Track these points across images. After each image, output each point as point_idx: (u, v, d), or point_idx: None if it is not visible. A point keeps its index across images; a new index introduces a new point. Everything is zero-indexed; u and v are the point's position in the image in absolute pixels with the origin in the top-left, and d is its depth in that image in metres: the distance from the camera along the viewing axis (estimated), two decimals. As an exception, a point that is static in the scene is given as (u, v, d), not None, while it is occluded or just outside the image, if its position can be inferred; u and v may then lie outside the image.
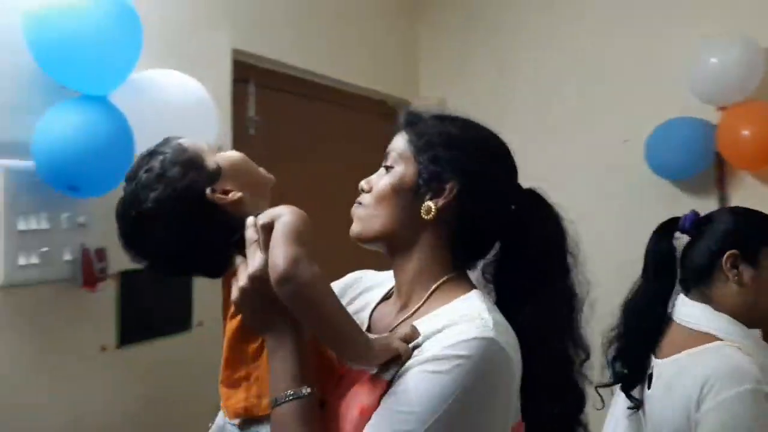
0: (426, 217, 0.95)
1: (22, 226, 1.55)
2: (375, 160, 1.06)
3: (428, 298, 0.95)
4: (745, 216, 1.45)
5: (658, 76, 2.57)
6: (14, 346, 1.56)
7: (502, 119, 3.21)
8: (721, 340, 1.32)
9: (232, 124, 2.15)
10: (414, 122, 1.03)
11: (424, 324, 0.89)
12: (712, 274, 1.39)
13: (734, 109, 2.31)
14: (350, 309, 1.00)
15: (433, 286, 0.96)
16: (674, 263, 1.46)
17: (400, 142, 1.01)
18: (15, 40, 1.48)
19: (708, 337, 1.34)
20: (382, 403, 0.83)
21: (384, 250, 1.01)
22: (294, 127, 2.51)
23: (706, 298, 1.40)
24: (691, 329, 1.37)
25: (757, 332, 1.37)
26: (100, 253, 1.68)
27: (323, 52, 2.58)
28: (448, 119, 1.03)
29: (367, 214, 0.99)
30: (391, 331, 0.94)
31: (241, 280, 0.87)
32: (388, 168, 1.00)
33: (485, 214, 0.97)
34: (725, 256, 1.37)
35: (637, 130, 2.49)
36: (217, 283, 1.05)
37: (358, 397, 0.87)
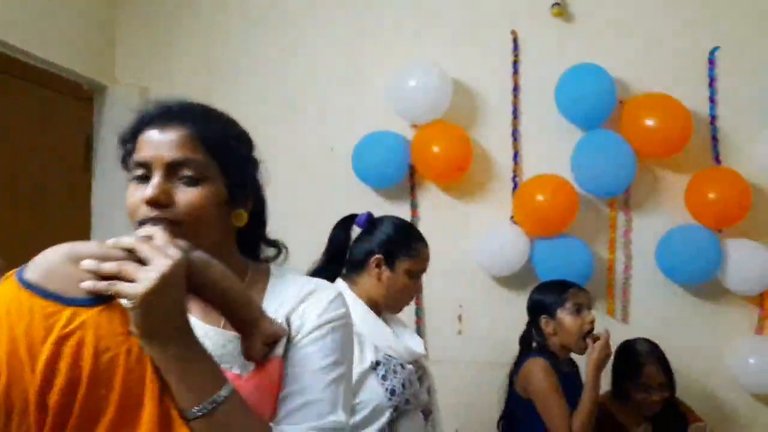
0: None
1: None
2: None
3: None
4: (400, 229, 1.82)
5: (366, 92, 2.81)
6: None
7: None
8: None
9: None
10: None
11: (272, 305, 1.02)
12: (363, 267, 1.76)
13: (426, 127, 2.67)
14: None
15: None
16: (346, 250, 1.82)
17: None
18: None
19: None
20: (294, 371, 0.96)
21: None
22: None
23: (352, 282, 1.76)
24: None
25: (363, 306, 1.72)
26: None
27: (10, 20, 2.22)
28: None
29: None
30: None
31: (150, 281, 0.78)
32: None
33: None
34: (373, 257, 1.75)
35: (346, 139, 2.69)
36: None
37: (263, 377, 0.94)
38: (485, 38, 2.79)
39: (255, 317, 0.92)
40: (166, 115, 0.97)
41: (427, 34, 2.83)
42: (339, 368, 1.00)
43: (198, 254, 0.87)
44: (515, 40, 2.76)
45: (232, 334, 0.95)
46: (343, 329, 1.02)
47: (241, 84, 2.92)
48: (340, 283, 1.76)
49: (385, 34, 2.86)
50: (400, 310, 1.85)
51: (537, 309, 2.27)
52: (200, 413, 0.81)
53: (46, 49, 2.50)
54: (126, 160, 1.00)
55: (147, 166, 0.95)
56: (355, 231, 1.85)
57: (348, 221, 1.84)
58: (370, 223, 1.82)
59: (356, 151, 2.70)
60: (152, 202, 0.92)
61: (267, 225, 1.14)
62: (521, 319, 2.39)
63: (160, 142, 0.95)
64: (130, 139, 0.99)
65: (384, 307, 1.79)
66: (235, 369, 0.94)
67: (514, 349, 2.34)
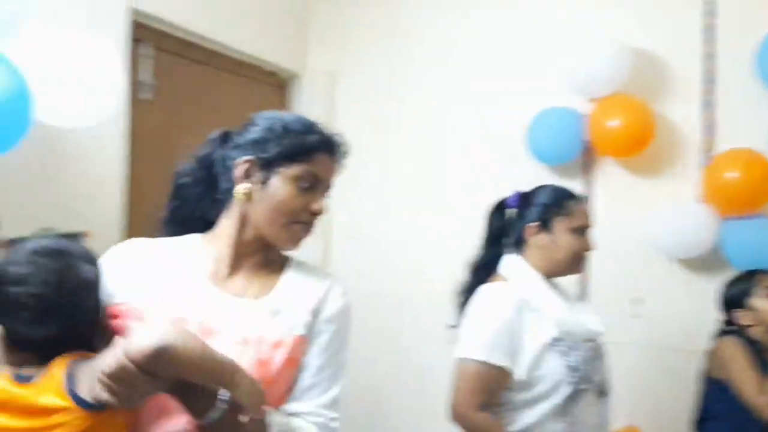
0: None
1: None
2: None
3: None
4: (548, 192, 1.80)
5: (539, 67, 2.76)
6: None
7: (392, 98, 3.30)
8: (506, 280, 1.73)
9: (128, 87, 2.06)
10: None
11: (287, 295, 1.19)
12: (524, 242, 1.77)
13: (603, 101, 2.56)
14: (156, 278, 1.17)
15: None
16: (503, 234, 1.82)
17: None
18: None
19: (498, 277, 1.76)
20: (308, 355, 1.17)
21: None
22: (189, 94, 2.43)
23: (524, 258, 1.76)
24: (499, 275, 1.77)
25: (540, 280, 1.73)
26: (-10, 219, 1.56)
27: (217, 16, 2.51)
28: None
29: None
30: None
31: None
32: None
33: None
34: (529, 227, 1.75)
35: (520, 116, 2.68)
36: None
37: (292, 351, 1.14)
38: (671, 1, 2.59)
39: (227, 381, 0.99)
40: (340, 149, 1.23)
41: (604, 2, 2.70)
42: (339, 357, 1.20)
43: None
44: (709, 2, 2.53)
45: (251, 302, 1.16)
46: (344, 324, 1.22)
47: (424, 67, 3.01)
48: (514, 258, 1.77)
49: (560, 5, 2.78)
50: (577, 270, 1.81)
51: (729, 305, 2.19)
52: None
53: (244, 40, 2.76)
54: (286, 154, 1.17)
55: (318, 182, 1.19)
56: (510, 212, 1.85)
57: (501, 206, 1.86)
58: (523, 199, 1.82)
59: (530, 128, 2.67)
60: (319, 215, 1.19)
61: None
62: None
63: (333, 170, 1.22)
64: (304, 148, 1.17)
65: (558, 272, 1.77)
66: (254, 332, 1.11)
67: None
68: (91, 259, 1.08)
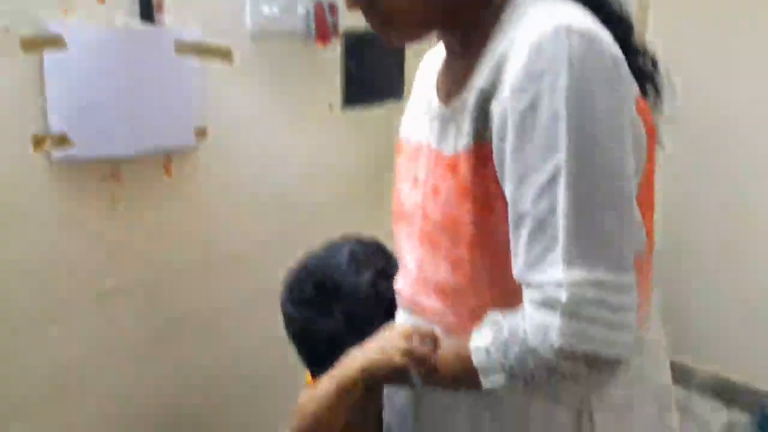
0: None
1: (263, -25, 1.57)
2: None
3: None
4: None
5: None
6: (259, 91, 1.67)
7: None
8: None
9: None
10: None
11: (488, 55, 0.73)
12: None
13: None
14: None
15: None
16: None
17: None
18: None
19: None
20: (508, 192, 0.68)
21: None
22: None
23: None
24: None
25: None
26: (332, 8, 1.69)
27: None
28: None
29: None
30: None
31: None
32: None
33: None
34: None
35: None
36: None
37: (453, 179, 0.74)
38: None
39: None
40: None
41: None
42: (551, 160, 0.63)
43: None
44: None
45: (444, 108, 0.79)
46: (550, 92, 0.62)
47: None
48: None
49: None
50: None
51: None
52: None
53: None
54: None
55: None
56: None
57: None
58: None
59: None
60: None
61: None
62: None
63: None
64: None
65: None
66: (433, 144, 0.80)
67: None
68: (351, 312, 1.00)
